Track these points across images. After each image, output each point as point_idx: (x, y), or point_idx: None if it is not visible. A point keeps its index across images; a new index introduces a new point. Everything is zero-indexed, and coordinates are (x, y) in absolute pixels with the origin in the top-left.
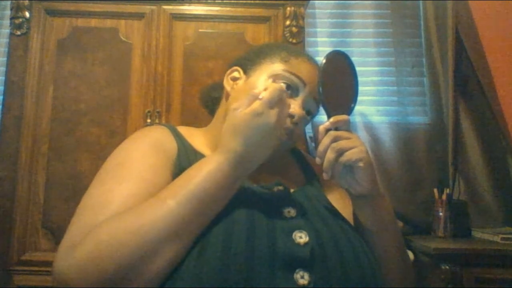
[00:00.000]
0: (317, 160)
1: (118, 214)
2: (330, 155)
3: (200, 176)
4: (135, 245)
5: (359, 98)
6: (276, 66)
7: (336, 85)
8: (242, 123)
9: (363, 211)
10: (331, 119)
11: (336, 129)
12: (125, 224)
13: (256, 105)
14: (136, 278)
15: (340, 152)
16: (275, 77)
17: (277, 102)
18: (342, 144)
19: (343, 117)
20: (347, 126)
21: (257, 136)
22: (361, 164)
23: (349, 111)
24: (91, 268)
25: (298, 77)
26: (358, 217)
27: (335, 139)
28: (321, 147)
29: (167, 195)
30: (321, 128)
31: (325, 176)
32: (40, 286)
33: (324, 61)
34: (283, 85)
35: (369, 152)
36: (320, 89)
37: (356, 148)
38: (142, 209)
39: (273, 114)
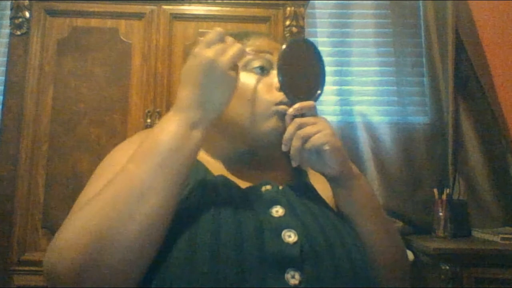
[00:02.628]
0: (283, 147)
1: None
2: (295, 142)
3: (153, 132)
4: (101, 218)
5: (359, 98)
6: None
7: (298, 71)
8: (184, 70)
9: (340, 193)
10: (296, 106)
11: (303, 115)
12: (92, 201)
13: (194, 48)
14: (112, 249)
15: (306, 139)
16: (246, 63)
17: (215, 42)
18: (306, 130)
19: (308, 103)
20: (313, 112)
21: (199, 76)
22: (326, 147)
23: (315, 97)
24: (68, 252)
25: (262, 51)
26: (337, 200)
27: (300, 126)
28: (286, 135)
29: (126, 162)
30: (286, 116)
31: (293, 163)
32: (40, 286)
33: (283, 46)
34: (221, 29)
35: (337, 133)
36: (280, 76)
37: (321, 132)
38: (106, 183)
39: (210, 51)
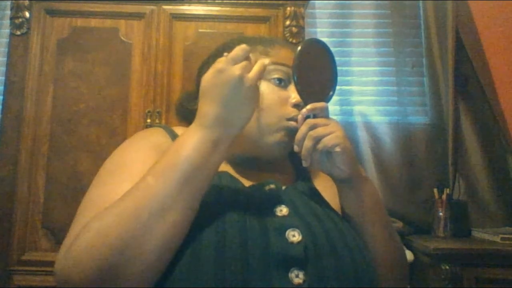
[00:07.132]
0: (295, 148)
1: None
2: (307, 143)
3: (175, 146)
4: (122, 230)
5: (359, 98)
6: None
7: (312, 72)
8: (207, 84)
9: (347, 195)
10: (308, 106)
11: (315, 116)
12: (112, 211)
13: (218, 63)
14: (131, 263)
15: (317, 140)
16: (265, 72)
17: (241, 59)
18: (319, 131)
19: (321, 104)
20: (325, 113)
21: (225, 93)
22: (338, 149)
23: (327, 98)
24: (86, 262)
25: (284, 64)
26: (343, 203)
27: (312, 127)
28: (298, 135)
29: (146, 174)
30: (299, 116)
31: (304, 164)
32: (40, 286)
33: (299, 48)
34: (246, 46)
35: (348, 136)
36: (295, 76)
37: (332, 134)
38: (126, 194)
39: (236, 68)
